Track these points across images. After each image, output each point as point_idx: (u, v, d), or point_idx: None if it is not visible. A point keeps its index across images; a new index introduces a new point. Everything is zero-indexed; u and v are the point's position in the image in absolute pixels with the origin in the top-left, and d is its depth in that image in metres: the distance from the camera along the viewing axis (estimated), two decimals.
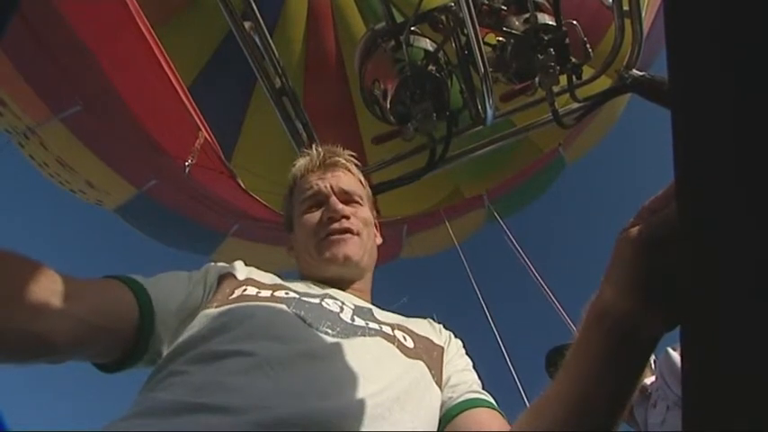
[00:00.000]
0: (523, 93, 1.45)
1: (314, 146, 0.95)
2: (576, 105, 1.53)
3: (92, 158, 2.58)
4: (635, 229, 0.41)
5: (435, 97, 1.27)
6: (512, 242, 3.17)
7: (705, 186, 0.28)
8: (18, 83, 2.14)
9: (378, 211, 0.99)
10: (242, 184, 2.54)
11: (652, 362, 1.62)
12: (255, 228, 3.25)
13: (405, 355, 0.64)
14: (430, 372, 0.64)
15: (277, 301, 0.64)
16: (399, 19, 1.28)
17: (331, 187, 0.86)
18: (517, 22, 1.32)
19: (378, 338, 0.64)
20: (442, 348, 0.73)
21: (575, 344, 0.48)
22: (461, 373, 0.69)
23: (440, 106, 1.28)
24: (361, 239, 0.83)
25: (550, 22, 1.29)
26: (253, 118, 3.14)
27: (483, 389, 0.68)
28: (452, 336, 0.79)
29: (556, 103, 1.43)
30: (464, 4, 1.19)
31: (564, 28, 1.29)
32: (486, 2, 1.32)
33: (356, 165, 0.94)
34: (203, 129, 2.16)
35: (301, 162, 0.92)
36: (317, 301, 0.68)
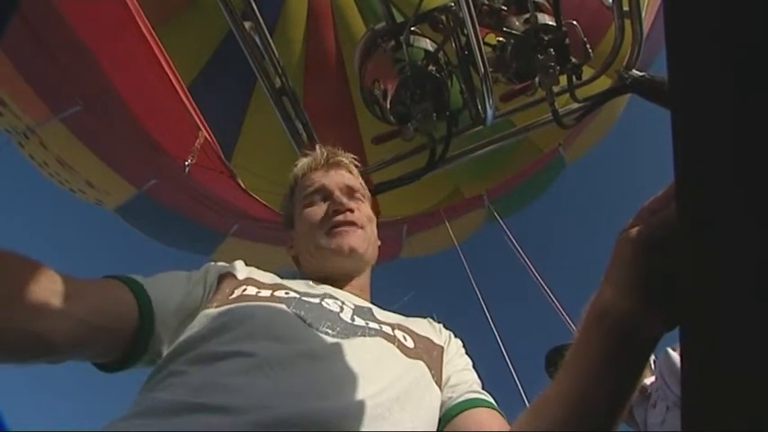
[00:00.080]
0: (523, 93, 1.45)
1: (317, 146, 0.97)
2: (575, 105, 1.53)
3: (92, 158, 2.58)
4: (635, 230, 0.41)
5: (435, 97, 1.27)
6: (512, 242, 3.17)
7: (705, 187, 0.28)
8: (18, 83, 2.14)
9: (377, 214, 1.00)
10: (242, 184, 2.55)
11: (652, 362, 1.62)
12: (255, 228, 3.25)
13: (405, 354, 0.64)
14: (430, 372, 0.64)
15: (277, 301, 0.64)
16: (399, 19, 1.28)
17: (335, 183, 0.87)
18: (517, 23, 1.32)
19: (378, 338, 0.64)
20: (442, 348, 0.73)
21: (574, 344, 0.48)
22: (461, 373, 0.69)
23: (440, 106, 1.28)
24: (366, 233, 0.84)
25: (550, 23, 1.29)
26: (253, 118, 3.14)
27: (483, 389, 0.68)
28: (452, 335, 0.79)
29: (556, 104, 1.43)
30: (464, 4, 1.19)
31: (564, 28, 1.29)
32: (487, 2, 1.32)
33: (357, 167, 0.96)
34: (203, 129, 2.16)
35: (304, 161, 0.93)
36: (316, 300, 0.68)
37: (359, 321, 0.67)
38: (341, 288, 0.79)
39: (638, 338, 0.43)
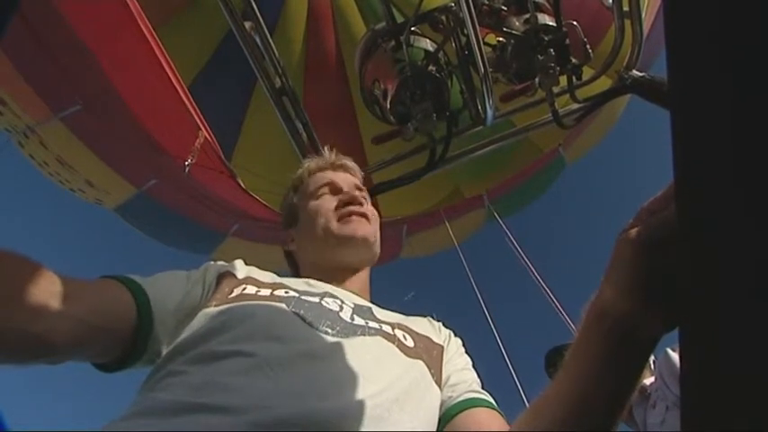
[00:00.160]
0: (523, 93, 1.45)
1: (325, 148, 1.00)
2: (576, 106, 1.53)
3: (92, 158, 2.58)
4: (634, 230, 0.41)
5: (435, 97, 1.27)
6: (512, 242, 3.17)
7: (704, 187, 0.28)
8: (18, 82, 2.14)
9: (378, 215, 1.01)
10: (242, 184, 2.55)
11: (651, 362, 1.63)
12: (255, 227, 3.25)
13: (405, 354, 0.64)
14: (430, 371, 0.64)
15: (277, 300, 0.64)
16: (399, 19, 1.28)
17: (344, 180, 0.92)
18: (517, 23, 1.32)
19: (378, 338, 0.64)
20: (442, 347, 0.73)
21: (574, 344, 0.48)
22: (461, 373, 0.69)
23: (440, 106, 1.28)
24: (373, 227, 0.87)
25: (550, 23, 1.29)
26: (253, 118, 3.14)
27: (483, 389, 0.68)
28: (452, 334, 0.79)
29: (556, 104, 1.43)
30: (464, 5, 1.20)
31: (564, 29, 1.29)
32: (487, 2, 1.32)
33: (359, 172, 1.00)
34: (203, 128, 2.16)
35: (312, 162, 0.97)
36: (316, 299, 0.68)
37: (359, 320, 0.67)
38: (341, 286, 0.79)
39: (637, 339, 0.43)
